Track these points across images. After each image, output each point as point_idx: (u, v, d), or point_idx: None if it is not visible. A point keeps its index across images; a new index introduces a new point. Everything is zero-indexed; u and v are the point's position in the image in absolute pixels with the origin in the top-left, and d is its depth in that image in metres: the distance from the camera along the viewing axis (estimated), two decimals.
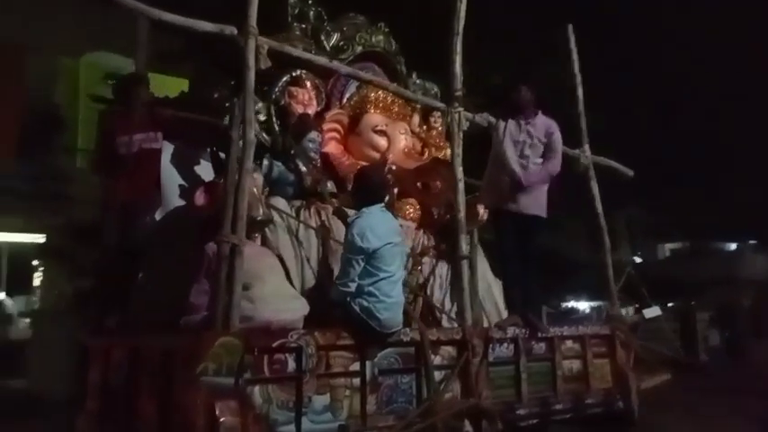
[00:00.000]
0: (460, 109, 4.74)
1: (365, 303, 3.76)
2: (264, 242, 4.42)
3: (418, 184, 5.57)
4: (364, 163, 5.35)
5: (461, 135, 4.71)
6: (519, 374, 4.62)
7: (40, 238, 12.64)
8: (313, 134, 5.07)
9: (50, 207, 9.80)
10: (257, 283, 3.56)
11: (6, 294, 15.85)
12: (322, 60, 4.42)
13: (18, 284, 16.54)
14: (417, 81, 6.59)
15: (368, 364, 3.82)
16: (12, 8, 10.18)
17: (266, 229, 4.45)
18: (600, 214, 5.76)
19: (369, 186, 4.11)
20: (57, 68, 10.42)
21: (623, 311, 10.04)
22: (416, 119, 6.17)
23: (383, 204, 4.10)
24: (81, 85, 9.73)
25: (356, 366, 3.79)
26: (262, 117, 5.19)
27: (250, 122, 3.49)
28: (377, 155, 5.57)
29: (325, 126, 5.57)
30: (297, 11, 5.86)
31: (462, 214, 4.59)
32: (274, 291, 3.63)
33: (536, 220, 4.84)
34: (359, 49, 5.92)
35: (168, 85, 7.33)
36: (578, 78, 5.94)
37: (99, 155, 5.00)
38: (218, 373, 3.21)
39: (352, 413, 3.73)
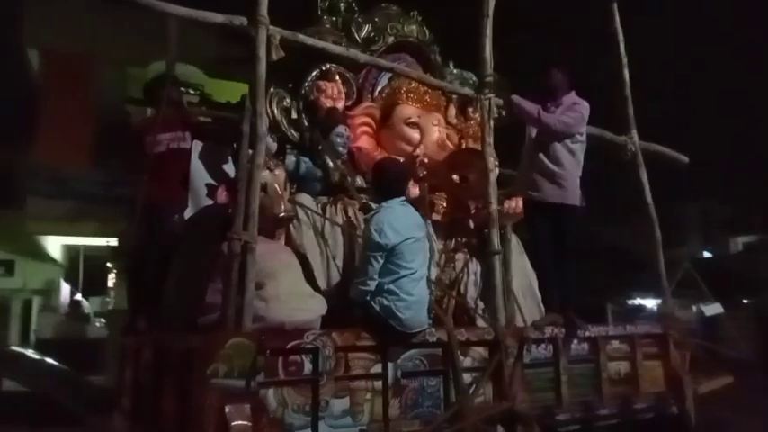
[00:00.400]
0: (491, 95, 4.49)
1: (385, 302, 3.59)
2: (288, 239, 4.33)
3: (454, 177, 5.34)
4: (409, 156, 5.20)
5: (492, 123, 4.46)
6: (559, 377, 4.35)
7: (113, 242, 13.15)
8: (341, 128, 4.94)
9: (123, 211, 10.12)
10: (271, 282, 3.45)
11: (83, 295, 16.57)
12: (338, 49, 4.24)
13: (94, 286, 17.30)
14: (455, 71, 6.36)
15: (390, 365, 3.65)
16: (82, 20, 10.60)
17: (291, 226, 4.36)
18: (650, 205, 5.38)
19: (386, 179, 3.94)
20: (126, 77, 10.74)
21: (693, 309, 9.54)
22: (453, 110, 5.96)
23: (403, 198, 3.91)
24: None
25: (378, 368, 3.63)
26: (293, 115, 5.15)
27: (261, 116, 3.38)
28: (409, 148, 5.39)
29: (357, 120, 5.44)
30: (327, 4, 5.76)
31: (494, 207, 4.35)
32: (289, 289, 3.51)
33: (571, 211, 4.53)
34: (390, 39, 5.74)
35: (233, 91, 7.44)
36: (624, 60, 5.57)
37: (129, 156, 5.02)
38: (230, 375, 3.11)
39: (374, 417, 3.57)
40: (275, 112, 4.98)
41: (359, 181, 5.02)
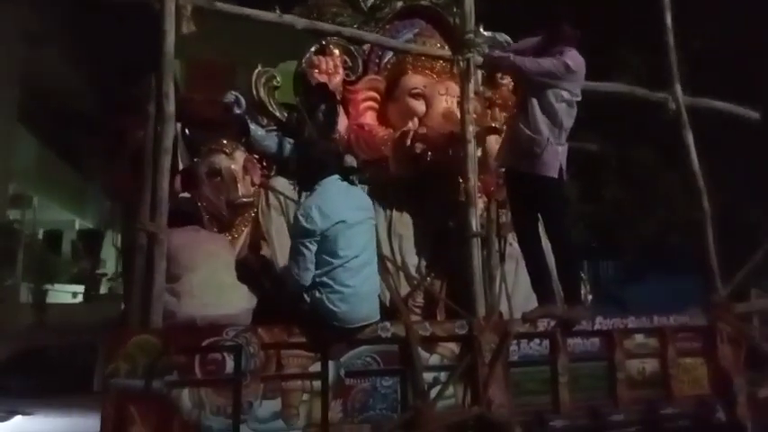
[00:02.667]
0: (470, 55, 3.93)
1: (317, 295, 3.23)
2: (256, 226, 4.09)
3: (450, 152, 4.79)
4: (400, 132, 4.76)
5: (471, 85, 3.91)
6: (556, 377, 3.75)
7: None
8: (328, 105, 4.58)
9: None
10: (186, 275, 3.22)
11: None
12: (270, 16, 3.76)
13: None
14: (487, 33, 5.76)
15: (331, 364, 3.29)
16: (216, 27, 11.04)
17: (259, 212, 4.11)
18: (697, 173, 4.52)
19: (311, 159, 3.55)
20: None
21: None
22: (477, 76, 5.37)
23: (339, 177, 3.50)
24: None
25: (317, 367, 3.28)
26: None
27: (167, 96, 3.12)
28: (414, 122, 4.92)
29: (359, 95, 5.05)
30: None
31: (472, 183, 3.81)
32: (205, 282, 3.25)
33: (546, 183, 3.86)
34: (398, 5, 5.28)
35: None
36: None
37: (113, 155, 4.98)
38: (133, 375, 2.94)
39: (312, 421, 3.24)
40: (260, 91, 4.73)
41: (348, 161, 4.64)
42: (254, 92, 4.69)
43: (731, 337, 4.23)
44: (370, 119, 5.07)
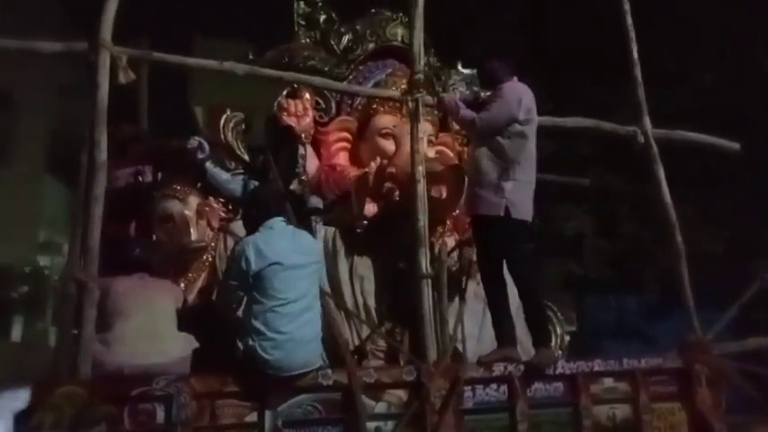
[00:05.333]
0: (419, 95, 3.89)
1: (250, 342, 3.15)
2: (212, 271, 4.08)
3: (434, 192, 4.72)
4: (362, 172, 4.74)
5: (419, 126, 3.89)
6: (515, 425, 3.57)
7: None
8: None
9: None
10: (119, 323, 3.20)
11: None
12: (242, 68, 3.82)
13: None
14: (465, 71, 5.77)
15: (268, 414, 3.20)
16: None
17: (216, 257, 4.10)
18: (668, 204, 4.35)
19: (255, 200, 3.53)
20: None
21: None
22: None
23: (283, 219, 3.47)
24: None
25: (254, 417, 3.20)
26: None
27: (98, 144, 3.15)
28: (384, 162, 4.88)
29: (331, 137, 5.08)
30: (304, 20, 5.47)
31: (422, 224, 3.73)
32: (138, 330, 3.21)
33: (492, 222, 3.74)
34: (370, 46, 5.34)
35: None
36: (631, 34, 4.59)
37: None
38: (58, 427, 2.89)
39: None
40: (228, 136, 4.77)
41: (313, 202, 4.63)
42: (222, 135, 4.74)
43: (710, 379, 3.99)
44: (342, 159, 5.08)
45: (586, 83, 10.59)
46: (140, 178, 4.64)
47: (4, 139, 15.29)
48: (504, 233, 3.69)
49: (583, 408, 3.72)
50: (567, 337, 4.77)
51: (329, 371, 3.36)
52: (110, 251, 4.03)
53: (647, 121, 4.46)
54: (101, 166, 3.14)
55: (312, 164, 4.91)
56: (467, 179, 3.98)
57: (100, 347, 3.08)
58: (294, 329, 3.21)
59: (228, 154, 4.71)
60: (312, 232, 4.02)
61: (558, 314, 4.80)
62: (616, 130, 4.49)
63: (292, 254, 3.31)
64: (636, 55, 4.58)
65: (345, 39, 5.36)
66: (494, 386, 3.62)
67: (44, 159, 15.61)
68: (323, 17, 5.47)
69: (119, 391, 3.03)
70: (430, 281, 3.66)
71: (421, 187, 3.79)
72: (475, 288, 4.30)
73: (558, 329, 4.71)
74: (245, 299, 3.27)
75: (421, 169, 3.82)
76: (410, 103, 3.87)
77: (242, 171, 4.64)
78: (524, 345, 4.18)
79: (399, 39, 5.39)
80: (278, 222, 3.42)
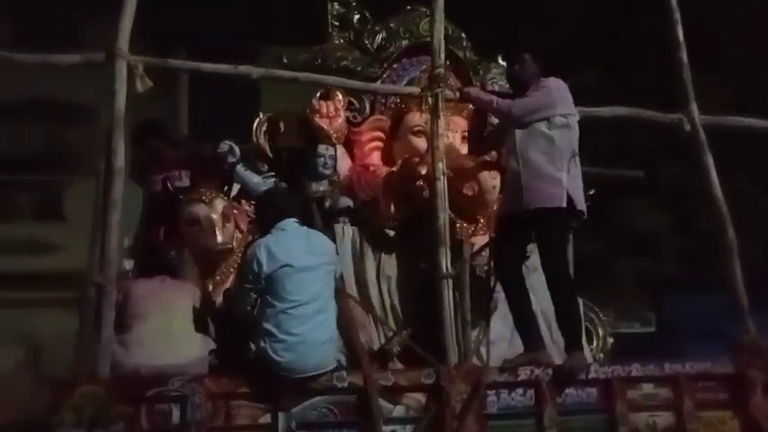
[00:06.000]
0: (439, 89, 3.78)
1: (262, 344, 3.16)
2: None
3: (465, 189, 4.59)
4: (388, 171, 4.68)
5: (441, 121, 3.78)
6: (542, 431, 3.40)
7: None
8: (321, 149, 4.58)
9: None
10: (137, 325, 3.26)
11: None
12: (257, 71, 3.85)
13: None
14: (504, 63, 5.59)
15: (282, 416, 3.19)
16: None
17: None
18: (719, 200, 4.02)
19: (270, 204, 3.53)
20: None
21: None
22: None
23: (295, 220, 3.45)
24: None
25: (268, 419, 3.20)
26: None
27: (115, 152, 3.24)
28: (417, 159, 4.79)
29: (364, 137, 5.03)
30: (338, 21, 5.46)
31: (442, 221, 3.62)
32: (155, 331, 3.26)
33: (546, 216, 3.58)
34: (404, 43, 5.24)
35: None
36: (676, 15, 4.29)
37: None
38: (79, 426, 2.99)
39: None
40: (260, 138, 4.81)
41: (343, 202, 4.59)
42: (255, 138, 4.80)
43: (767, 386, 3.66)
44: (375, 159, 5.02)
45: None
46: (176, 183, 4.78)
47: (90, 151, 16.23)
48: (563, 225, 3.63)
49: (618, 414, 3.50)
50: (611, 340, 4.50)
51: (344, 373, 3.31)
52: (147, 254, 4.22)
53: (694, 107, 4.14)
54: (118, 172, 3.24)
55: (345, 164, 4.88)
56: (508, 174, 3.82)
57: (118, 349, 3.16)
58: (306, 331, 3.18)
59: (261, 157, 4.76)
60: (332, 234, 3.98)
61: (601, 314, 4.55)
62: (656, 117, 4.20)
63: (304, 255, 3.29)
64: (681, 36, 4.27)
65: (379, 37, 5.30)
66: (520, 391, 3.46)
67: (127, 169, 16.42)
68: (357, 17, 5.44)
69: (135, 392, 3.11)
70: (451, 281, 3.54)
71: (441, 184, 3.68)
72: None
73: (601, 331, 4.46)
74: (258, 301, 3.27)
75: (441, 166, 3.71)
76: (430, 99, 3.75)
77: (272, 174, 4.68)
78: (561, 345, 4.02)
79: None
80: (290, 224, 3.41)
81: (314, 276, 3.29)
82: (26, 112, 12.43)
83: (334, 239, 3.82)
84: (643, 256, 12.23)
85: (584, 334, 4.26)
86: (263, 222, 3.54)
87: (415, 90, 4.19)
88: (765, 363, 3.73)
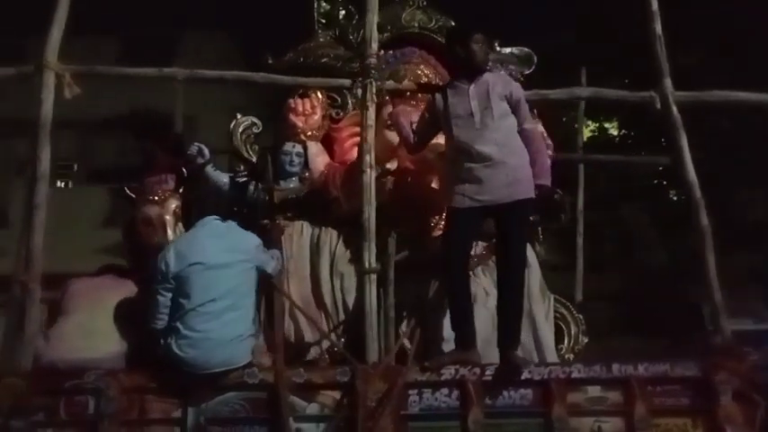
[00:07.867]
0: (368, 80, 3.65)
1: (167, 340, 3.20)
2: None
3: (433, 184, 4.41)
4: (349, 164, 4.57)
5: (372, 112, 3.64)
6: None
7: None
8: (287, 146, 4.58)
9: None
10: (62, 320, 3.40)
11: None
12: (182, 73, 3.87)
13: None
14: (505, 50, 5.33)
15: (190, 410, 3.20)
16: None
17: None
18: (693, 183, 3.58)
19: (196, 202, 3.54)
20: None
21: None
22: None
23: (216, 217, 3.44)
24: None
25: (180, 413, 3.22)
26: None
27: (39, 158, 3.40)
28: (389, 153, 4.67)
29: (343, 133, 4.96)
30: (324, 18, 5.43)
31: (367, 216, 3.49)
32: (77, 327, 3.37)
33: (507, 209, 3.37)
34: (385, 36, 5.12)
35: None
36: None
37: None
38: None
39: None
40: (237, 138, 4.88)
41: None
42: (232, 139, 4.87)
43: (740, 392, 3.22)
44: (354, 154, 4.92)
45: None
46: (163, 186, 4.94)
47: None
48: (529, 215, 3.53)
49: (556, 418, 3.21)
50: (585, 339, 4.12)
51: (255, 369, 3.28)
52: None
53: (668, 82, 3.73)
54: (42, 177, 3.39)
55: (323, 161, 4.84)
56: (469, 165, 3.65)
57: (41, 343, 3.32)
58: (212, 328, 3.19)
59: (237, 157, 4.82)
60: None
61: (574, 312, 4.19)
62: (624, 97, 3.83)
63: (219, 252, 3.30)
64: (656, 6, 3.87)
65: (362, 32, 5.21)
66: (445, 391, 3.27)
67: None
68: (342, 12, 5.39)
69: (54, 384, 3.23)
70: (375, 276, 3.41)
71: (368, 177, 3.55)
72: (486, 284, 3.94)
73: (573, 328, 4.11)
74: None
75: (368, 159, 3.58)
76: (357, 90, 3.64)
77: (245, 173, 4.72)
78: (526, 347, 3.78)
79: (416, 24, 5.15)
80: (210, 221, 3.43)
81: (228, 273, 3.28)
82: None
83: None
84: (757, 249, 11.20)
85: (552, 332, 4.00)
86: (190, 221, 3.59)
87: (346, 82, 4.07)
88: (738, 366, 3.28)
